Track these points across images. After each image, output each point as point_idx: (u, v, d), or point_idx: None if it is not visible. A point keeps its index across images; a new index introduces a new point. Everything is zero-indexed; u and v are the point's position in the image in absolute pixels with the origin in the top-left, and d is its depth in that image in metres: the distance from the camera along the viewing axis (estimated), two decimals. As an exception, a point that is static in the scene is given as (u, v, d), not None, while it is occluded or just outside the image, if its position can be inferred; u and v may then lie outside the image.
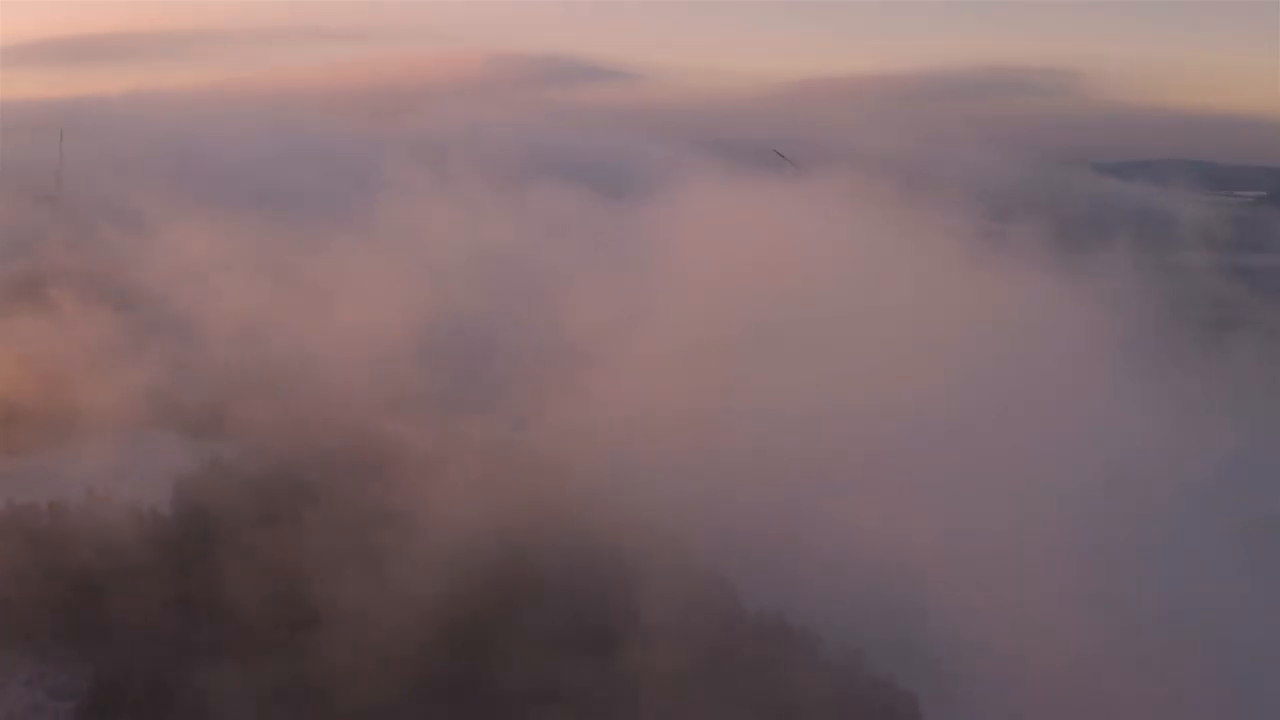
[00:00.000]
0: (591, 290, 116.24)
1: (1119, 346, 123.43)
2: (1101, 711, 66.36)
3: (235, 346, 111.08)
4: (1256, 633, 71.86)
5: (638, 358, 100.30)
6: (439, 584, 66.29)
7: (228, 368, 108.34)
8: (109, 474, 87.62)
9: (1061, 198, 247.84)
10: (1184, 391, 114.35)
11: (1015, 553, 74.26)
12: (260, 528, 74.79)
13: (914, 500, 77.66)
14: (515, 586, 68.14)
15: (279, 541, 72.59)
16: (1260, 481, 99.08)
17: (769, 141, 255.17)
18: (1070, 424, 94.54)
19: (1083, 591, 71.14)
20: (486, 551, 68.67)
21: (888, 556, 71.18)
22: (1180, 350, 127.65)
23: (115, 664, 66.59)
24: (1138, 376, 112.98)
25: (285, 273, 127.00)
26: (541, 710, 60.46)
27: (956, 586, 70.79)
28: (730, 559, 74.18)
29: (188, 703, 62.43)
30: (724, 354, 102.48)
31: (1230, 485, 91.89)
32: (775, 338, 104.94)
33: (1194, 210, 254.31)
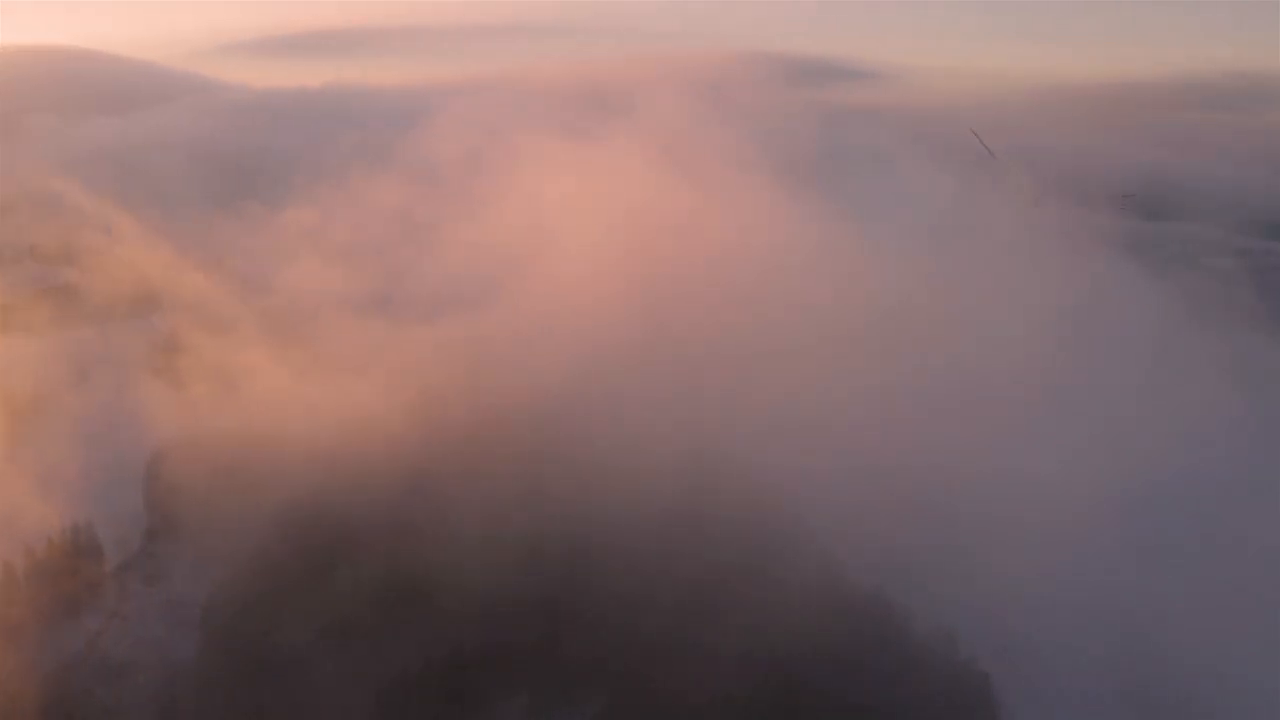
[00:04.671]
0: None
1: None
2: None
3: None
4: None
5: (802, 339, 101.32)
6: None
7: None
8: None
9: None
10: None
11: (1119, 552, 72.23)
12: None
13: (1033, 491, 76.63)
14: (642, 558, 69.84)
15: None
16: None
17: (1009, 145, 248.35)
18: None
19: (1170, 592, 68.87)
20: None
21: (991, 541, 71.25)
22: None
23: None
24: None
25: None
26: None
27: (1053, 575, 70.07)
28: (841, 533, 74.49)
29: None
30: (889, 342, 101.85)
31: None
32: (953, 335, 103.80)
33: None
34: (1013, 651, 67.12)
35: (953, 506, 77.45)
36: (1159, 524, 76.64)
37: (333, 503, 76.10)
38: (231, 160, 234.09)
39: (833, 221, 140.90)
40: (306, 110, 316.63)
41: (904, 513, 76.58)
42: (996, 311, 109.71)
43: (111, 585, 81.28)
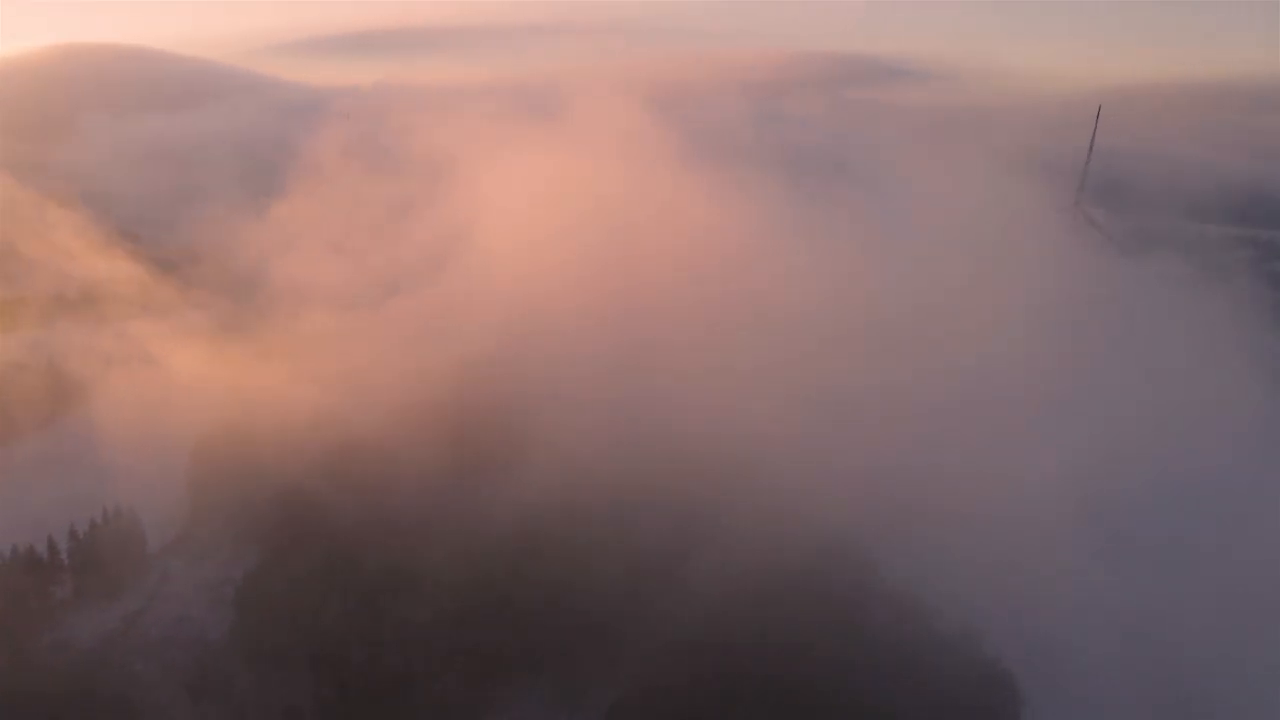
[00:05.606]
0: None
1: None
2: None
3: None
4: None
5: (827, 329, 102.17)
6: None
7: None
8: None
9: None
10: None
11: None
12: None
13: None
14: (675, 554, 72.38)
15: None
16: None
17: (1041, 146, 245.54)
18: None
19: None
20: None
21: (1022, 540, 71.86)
22: None
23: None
24: None
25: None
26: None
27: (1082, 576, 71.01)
28: (869, 530, 75.07)
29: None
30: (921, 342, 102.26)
31: None
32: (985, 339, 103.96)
33: None
34: (1038, 651, 67.55)
35: (963, 506, 76.73)
36: (1176, 525, 76.66)
37: (316, 499, 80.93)
38: (278, 157, 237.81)
39: (826, 217, 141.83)
40: (360, 109, 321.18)
41: (904, 512, 76.63)
42: (1014, 313, 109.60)
43: (154, 567, 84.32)
